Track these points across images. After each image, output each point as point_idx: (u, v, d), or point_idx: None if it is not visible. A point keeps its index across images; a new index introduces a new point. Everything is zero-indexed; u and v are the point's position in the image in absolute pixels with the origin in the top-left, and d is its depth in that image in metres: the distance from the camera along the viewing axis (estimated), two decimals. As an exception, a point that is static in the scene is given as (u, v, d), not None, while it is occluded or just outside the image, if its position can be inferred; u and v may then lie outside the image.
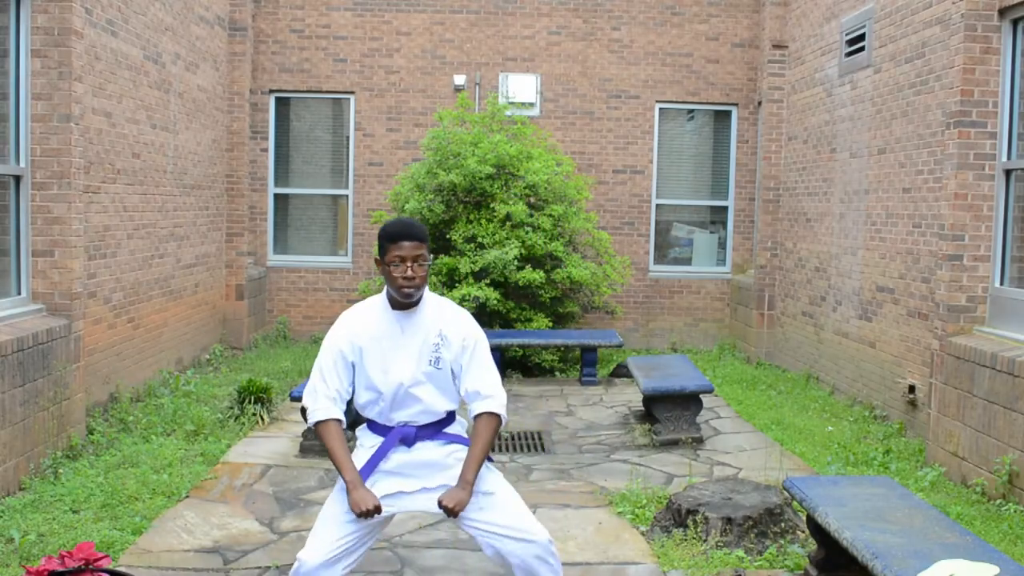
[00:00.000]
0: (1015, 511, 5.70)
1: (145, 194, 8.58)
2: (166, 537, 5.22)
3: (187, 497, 5.90)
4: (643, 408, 8.23)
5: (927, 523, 4.06)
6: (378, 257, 3.58)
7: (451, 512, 3.41)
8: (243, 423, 7.64)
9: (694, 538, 5.08)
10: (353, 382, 3.62)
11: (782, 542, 5.03)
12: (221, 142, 10.90)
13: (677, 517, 5.27)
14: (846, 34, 9.36)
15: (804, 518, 5.04)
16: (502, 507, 3.53)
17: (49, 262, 6.54)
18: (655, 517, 5.48)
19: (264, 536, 5.32)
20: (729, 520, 5.07)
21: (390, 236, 3.52)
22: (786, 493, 5.13)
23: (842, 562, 4.39)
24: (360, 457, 3.62)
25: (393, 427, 3.60)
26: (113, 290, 7.91)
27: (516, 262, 9.83)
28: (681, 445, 7.34)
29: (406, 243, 3.48)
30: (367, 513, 3.37)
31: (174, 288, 9.41)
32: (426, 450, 3.57)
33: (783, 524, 5.14)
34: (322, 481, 6.34)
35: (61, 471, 6.15)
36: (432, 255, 3.56)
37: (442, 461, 3.58)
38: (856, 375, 8.92)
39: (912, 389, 7.72)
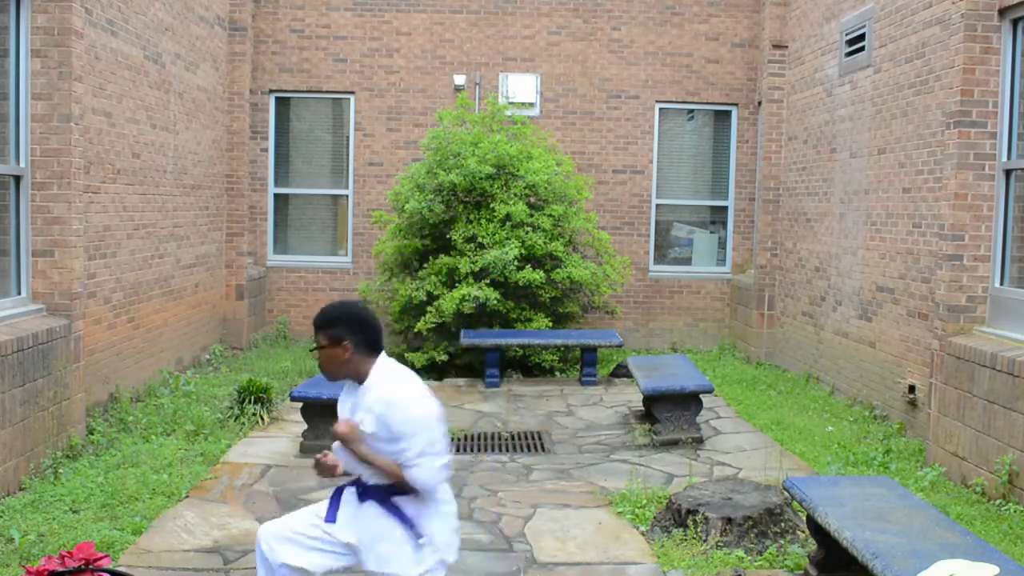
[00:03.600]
0: (1015, 511, 5.70)
1: (145, 194, 8.58)
2: (166, 537, 5.22)
3: (187, 497, 5.90)
4: (643, 408, 8.23)
5: (927, 523, 4.06)
6: None
7: (336, 434, 3.39)
8: (243, 423, 7.64)
9: (694, 538, 5.08)
10: None
11: (782, 542, 5.03)
12: (221, 142, 10.90)
13: (677, 517, 5.27)
14: (846, 34, 9.36)
15: (804, 518, 5.04)
16: None
17: (49, 262, 6.54)
18: (655, 517, 5.48)
19: (264, 536, 5.31)
20: (729, 520, 5.07)
21: None
22: (786, 493, 5.13)
23: (842, 562, 4.39)
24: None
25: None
26: (113, 290, 7.91)
27: (516, 262, 9.83)
28: (681, 445, 7.34)
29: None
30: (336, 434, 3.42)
31: (174, 288, 9.41)
32: (367, 514, 3.46)
33: (783, 524, 5.14)
34: (322, 481, 6.34)
35: (61, 471, 6.15)
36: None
37: (369, 539, 3.44)
38: (856, 375, 8.92)
39: (912, 389, 7.72)
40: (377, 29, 12.06)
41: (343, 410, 3.57)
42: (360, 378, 3.48)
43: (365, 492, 3.46)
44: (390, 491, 3.43)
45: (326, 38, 12.03)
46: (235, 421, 7.66)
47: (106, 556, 3.46)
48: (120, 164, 7.97)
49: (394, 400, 3.33)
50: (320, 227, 12.52)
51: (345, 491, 3.56)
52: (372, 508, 3.44)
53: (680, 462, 6.88)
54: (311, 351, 3.56)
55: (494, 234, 10.00)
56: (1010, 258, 6.56)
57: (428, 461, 3.32)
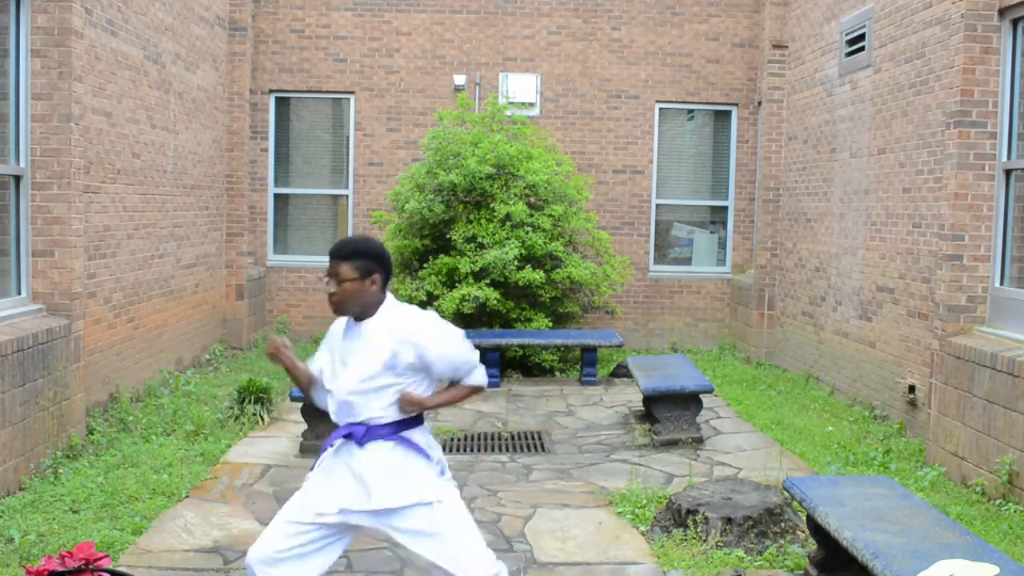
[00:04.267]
0: (1015, 511, 5.70)
1: (145, 194, 8.58)
2: (166, 537, 5.22)
3: (187, 497, 5.90)
4: (643, 408, 8.23)
5: (927, 523, 4.06)
6: None
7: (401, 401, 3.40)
8: (243, 423, 7.64)
9: (694, 538, 5.08)
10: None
11: (782, 542, 5.03)
12: (221, 142, 10.90)
13: (677, 517, 5.27)
14: (846, 34, 9.36)
15: (804, 518, 5.04)
16: (445, 544, 3.37)
17: (49, 262, 6.54)
18: (655, 517, 5.48)
19: (264, 536, 5.31)
20: (729, 520, 5.07)
21: None
22: (786, 493, 5.13)
23: (842, 562, 4.39)
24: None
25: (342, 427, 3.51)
26: (113, 290, 7.91)
27: (516, 262, 9.83)
28: (681, 445, 7.34)
29: (330, 259, 3.44)
30: (273, 352, 3.49)
31: (174, 288, 9.41)
32: (374, 455, 3.39)
33: (783, 524, 5.14)
34: (322, 481, 6.34)
35: (61, 471, 6.15)
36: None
37: (382, 479, 3.36)
38: (856, 375, 8.92)
39: (912, 389, 7.72)
40: (377, 29, 12.06)
41: (336, 348, 3.51)
42: (365, 314, 3.44)
43: (367, 434, 3.38)
44: (400, 426, 3.39)
45: (326, 38, 12.03)
46: (235, 421, 7.66)
47: (106, 556, 3.46)
48: (120, 164, 7.97)
49: (430, 330, 3.44)
50: (320, 227, 12.52)
51: (338, 442, 3.46)
52: (379, 447, 3.38)
53: (680, 462, 6.88)
54: (325, 280, 3.43)
55: (494, 234, 10.00)
56: (1010, 258, 6.56)
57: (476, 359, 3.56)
